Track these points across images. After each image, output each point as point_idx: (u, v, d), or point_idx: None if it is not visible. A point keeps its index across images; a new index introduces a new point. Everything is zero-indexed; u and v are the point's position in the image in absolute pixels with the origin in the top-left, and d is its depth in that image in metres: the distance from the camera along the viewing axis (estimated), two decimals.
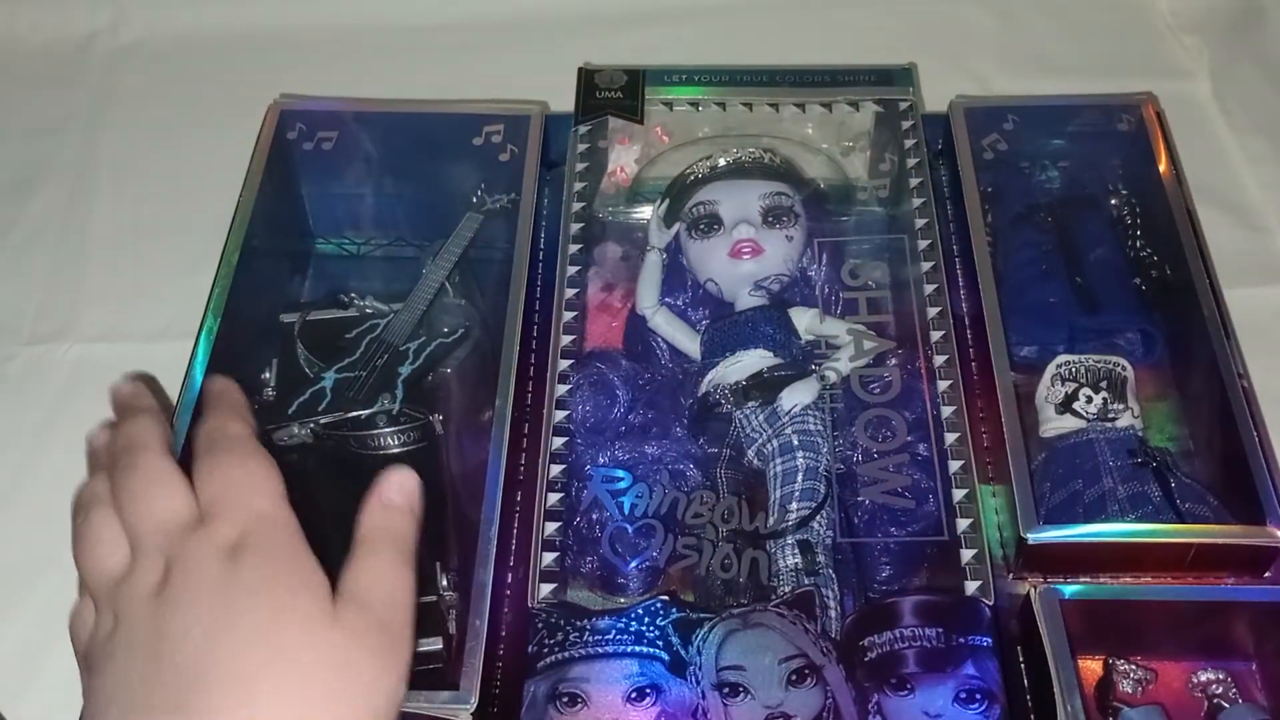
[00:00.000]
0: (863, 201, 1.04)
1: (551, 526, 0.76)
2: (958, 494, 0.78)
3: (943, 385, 0.84)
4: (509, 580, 0.77)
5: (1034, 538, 0.75)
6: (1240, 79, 1.14)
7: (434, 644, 0.74)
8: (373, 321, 0.90)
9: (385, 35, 1.18)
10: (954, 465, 0.79)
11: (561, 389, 0.84)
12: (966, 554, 0.74)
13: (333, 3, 1.19)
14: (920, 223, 0.93)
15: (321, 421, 0.84)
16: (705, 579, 0.76)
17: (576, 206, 0.95)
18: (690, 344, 0.93)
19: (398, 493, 0.60)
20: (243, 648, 0.50)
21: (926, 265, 0.90)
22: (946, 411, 0.82)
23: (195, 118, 1.11)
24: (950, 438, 0.81)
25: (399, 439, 0.83)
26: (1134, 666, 0.74)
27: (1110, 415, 0.85)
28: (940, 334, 0.86)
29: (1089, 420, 0.85)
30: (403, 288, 1.02)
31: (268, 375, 0.90)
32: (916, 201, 0.94)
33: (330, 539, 0.76)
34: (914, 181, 0.95)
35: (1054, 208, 0.95)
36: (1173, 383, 0.90)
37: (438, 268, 0.93)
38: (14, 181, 0.98)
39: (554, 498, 0.77)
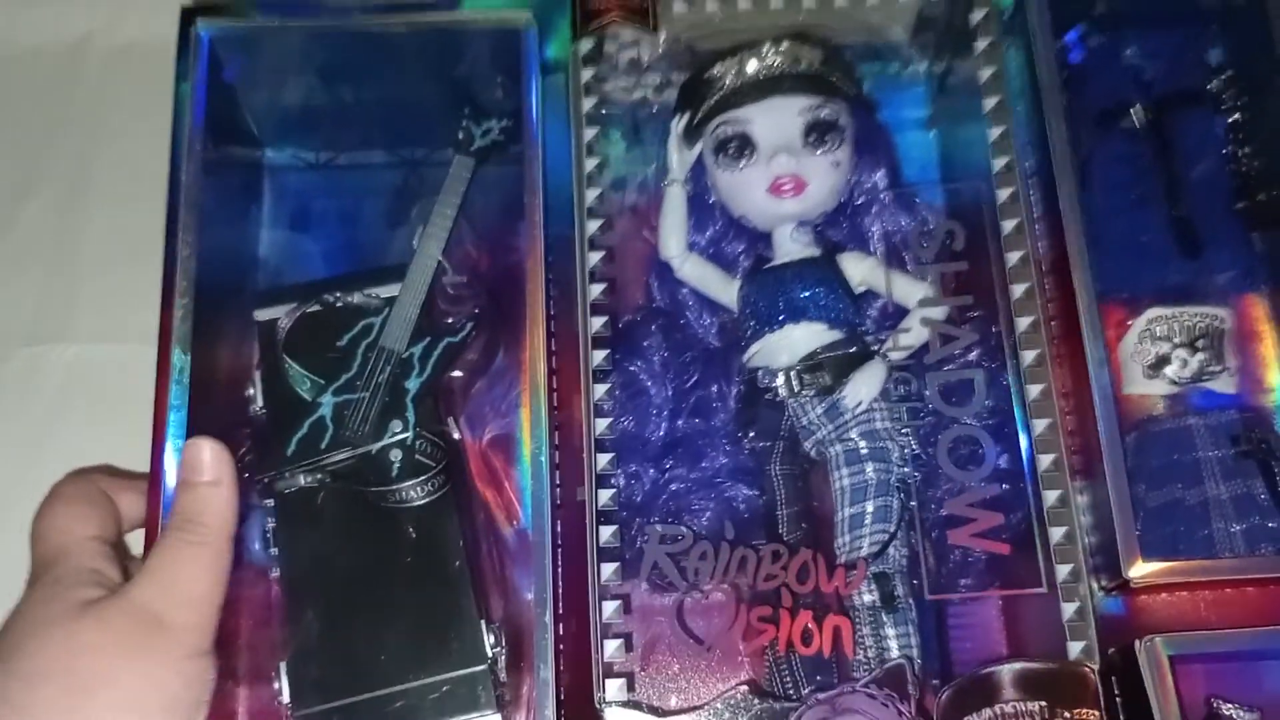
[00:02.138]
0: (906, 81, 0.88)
1: (609, 608, 0.68)
2: (1049, 496, 0.70)
3: (1028, 357, 0.74)
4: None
5: (1138, 577, 0.68)
6: None
7: None
8: (366, 321, 0.77)
9: None
10: (1044, 461, 0.71)
11: (599, 390, 0.74)
12: (1067, 609, 0.68)
13: None
14: (994, 132, 0.78)
15: (330, 469, 0.74)
16: (785, 663, 0.70)
17: (589, 133, 0.80)
18: (726, 291, 0.81)
19: (193, 470, 0.62)
20: None
21: (1003, 194, 0.77)
22: (1033, 392, 0.73)
23: None
24: (1040, 425, 0.72)
25: (423, 490, 0.73)
26: (1239, 709, 0.70)
27: (1206, 377, 0.77)
28: (1023, 288, 0.75)
29: (1181, 385, 0.77)
30: (373, 207, 0.90)
31: (252, 392, 0.78)
32: (988, 102, 0.79)
33: (352, 593, 0.71)
34: (984, 72, 0.79)
35: (1150, 107, 0.80)
36: (1273, 321, 0.80)
37: (431, 239, 0.79)
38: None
39: (608, 569, 0.69)
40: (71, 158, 0.99)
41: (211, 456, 0.64)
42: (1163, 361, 0.77)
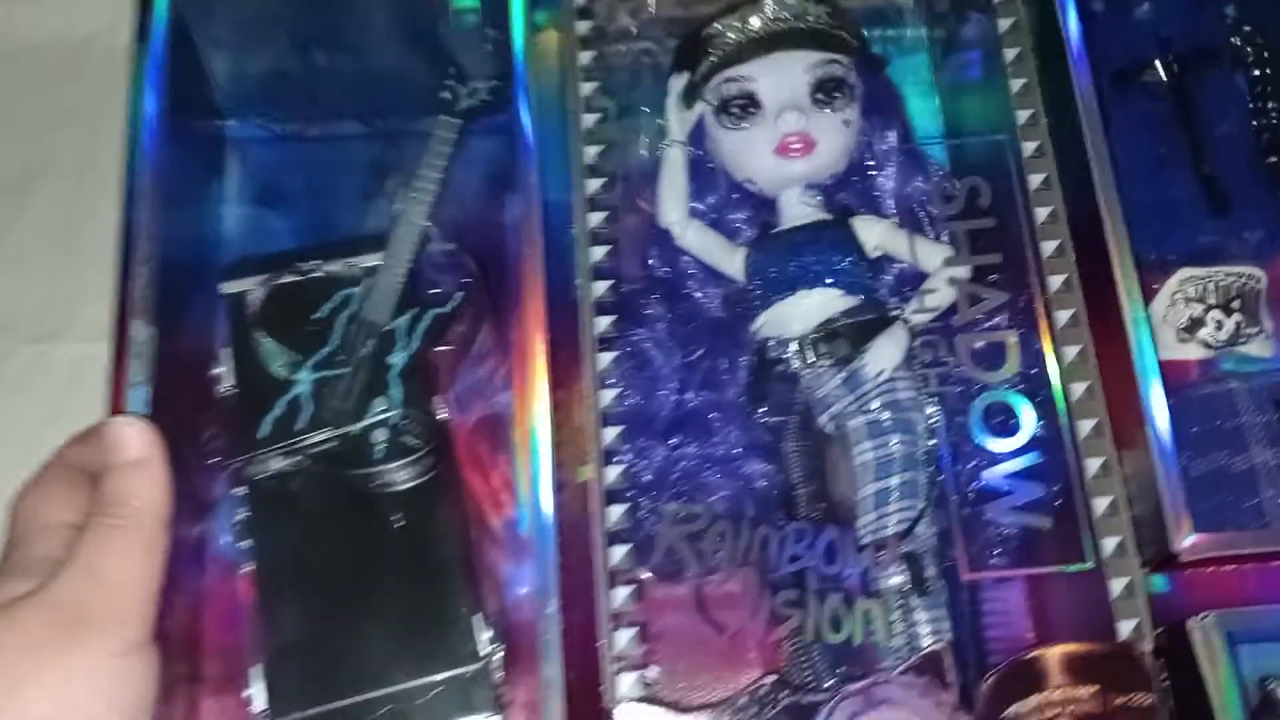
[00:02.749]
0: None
1: (621, 595, 0.62)
2: (1091, 465, 0.65)
3: (1062, 318, 0.69)
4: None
5: (1188, 553, 0.63)
6: None
7: None
8: (345, 292, 0.71)
9: None
10: (1084, 427, 0.66)
11: (605, 359, 0.68)
12: (1115, 586, 0.63)
13: None
14: (1017, 84, 0.74)
15: (308, 451, 0.67)
16: (814, 648, 0.64)
17: (586, 89, 0.74)
18: (731, 261, 0.76)
19: (114, 451, 0.58)
20: None
21: (1029, 146, 0.72)
22: (1070, 353, 0.68)
23: None
24: (1078, 390, 0.67)
25: (410, 472, 0.67)
26: None
27: (1242, 339, 0.72)
28: (1054, 244, 0.70)
29: (1217, 348, 0.72)
30: (347, 182, 0.84)
31: (220, 371, 0.72)
32: (1010, 54, 0.74)
33: (333, 587, 0.64)
34: (1003, 24, 0.75)
35: (1170, 64, 0.76)
36: None
37: (415, 204, 0.73)
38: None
39: (618, 553, 0.63)
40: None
41: (135, 433, 0.58)
42: (1196, 324, 0.72)
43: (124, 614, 0.55)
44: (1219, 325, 0.72)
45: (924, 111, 0.87)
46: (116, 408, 0.64)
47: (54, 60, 1.00)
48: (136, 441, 0.58)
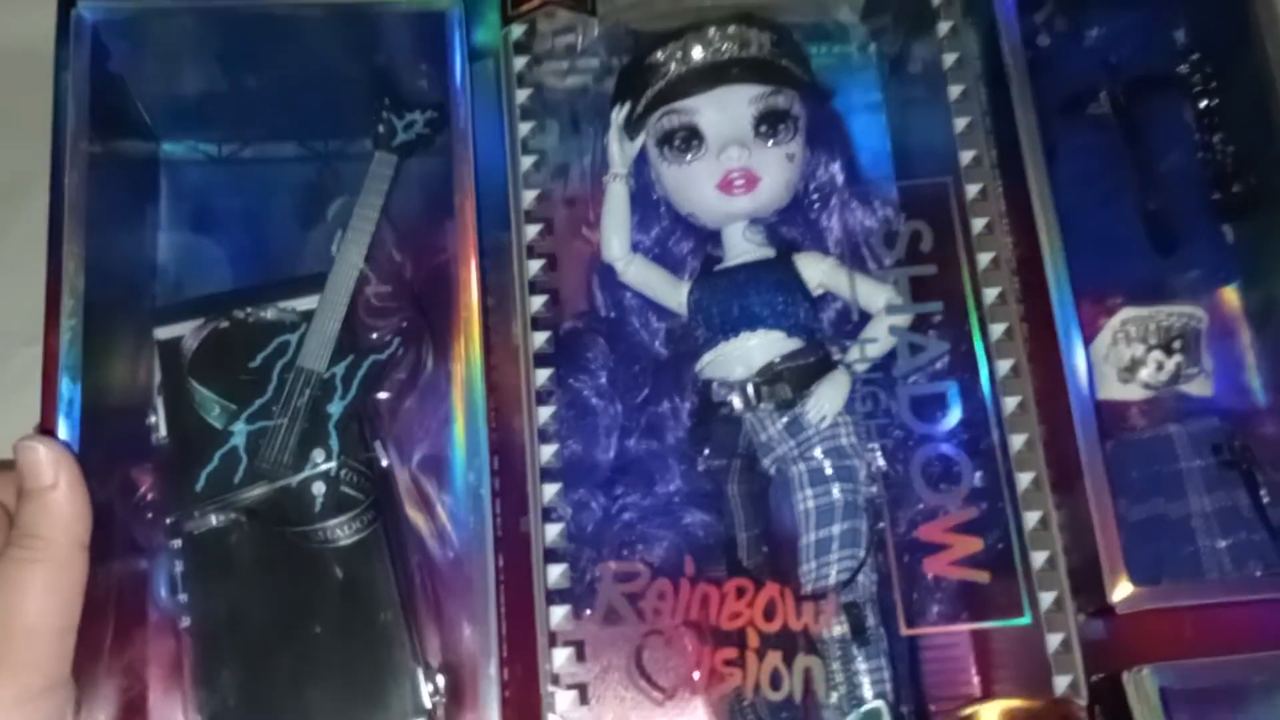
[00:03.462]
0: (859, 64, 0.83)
1: (561, 656, 0.62)
2: (1029, 518, 0.66)
3: (1003, 368, 0.69)
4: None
5: (1123, 605, 0.64)
6: None
7: None
8: (282, 339, 0.70)
9: None
10: (1023, 480, 0.67)
11: (544, 414, 0.68)
12: (1052, 640, 0.63)
13: None
14: (961, 123, 0.73)
15: (245, 506, 0.66)
16: (749, 710, 0.65)
17: (524, 129, 0.73)
18: (674, 295, 0.75)
19: (27, 476, 0.57)
20: None
21: (972, 190, 0.72)
22: (1009, 405, 0.68)
23: None
24: (1017, 442, 0.67)
25: (351, 528, 0.66)
26: None
27: (1183, 379, 0.73)
28: (995, 291, 0.70)
29: (1157, 389, 0.73)
30: (284, 205, 0.82)
31: (154, 419, 0.70)
32: (954, 91, 0.73)
33: (273, 643, 0.64)
34: (948, 58, 0.74)
35: (1118, 94, 0.75)
36: (1248, 316, 0.76)
37: (351, 245, 0.72)
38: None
39: (558, 614, 0.63)
40: None
41: (46, 456, 0.57)
42: (1137, 364, 0.73)
43: (38, 656, 0.53)
44: (1159, 366, 0.72)
45: (872, 131, 0.86)
46: None
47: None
48: (47, 464, 0.57)
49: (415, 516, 0.71)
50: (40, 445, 0.57)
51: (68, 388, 0.64)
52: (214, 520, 0.67)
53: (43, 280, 0.85)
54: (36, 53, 0.95)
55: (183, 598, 0.67)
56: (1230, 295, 0.78)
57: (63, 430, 0.64)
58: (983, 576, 0.64)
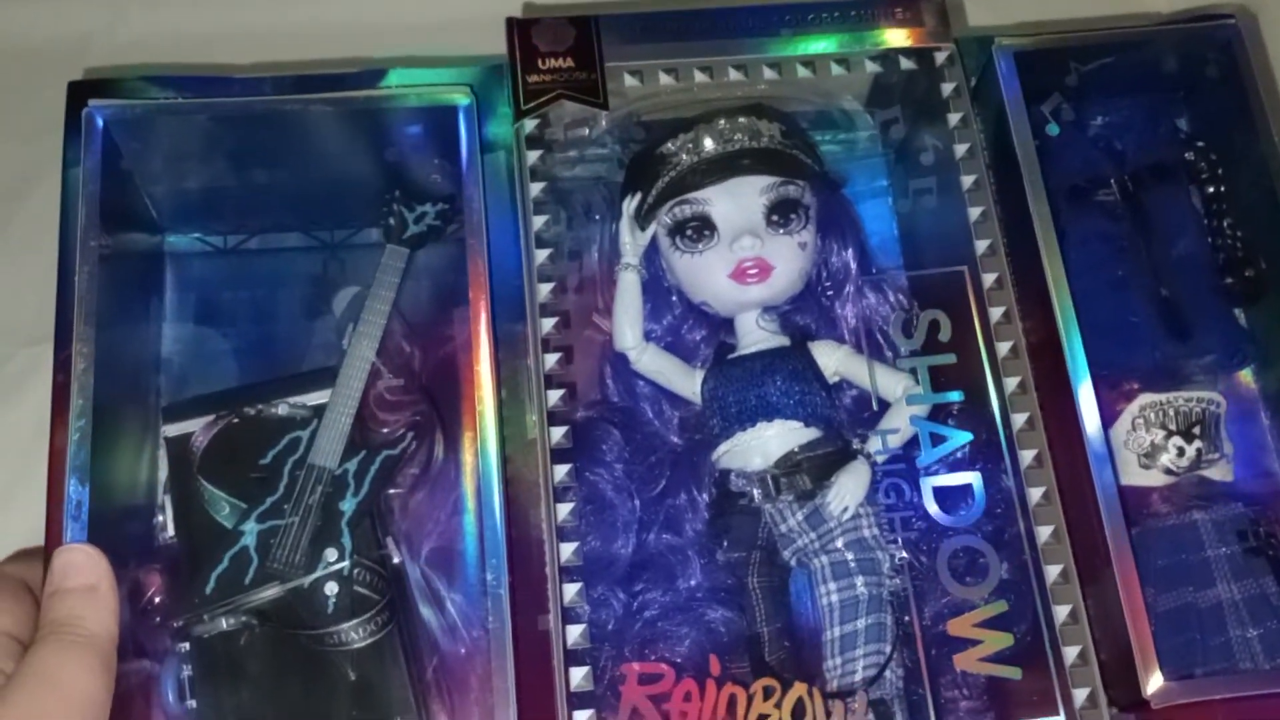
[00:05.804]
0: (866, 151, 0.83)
1: None
2: (1059, 611, 0.65)
3: (1026, 458, 0.68)
4: None
5: (1156, 699, 0.63)
6: None
7: None
8: (293, 435, 0.68)
9: None
10: (1051, 572, 0.66)
11: (563, 511, 0.66)
12: None
13: None
14: (975, 213, 0.73)
15: (256, 608, 0.65)
16: None
17: (538, 223, 0.72)
18: (688, 383, 0.74)
19: (65, 577, 0.59)
20: None
21: (989, 279, 0.71)
22: (1034, 495, 0.67)
23: None
24: (1044, 533, 0.66)
25: (365, 630, 0.65)
26: None
27: (1204, 464, 0.72)
28: (1016, 381, 0.69)
29: (1179, 474, 0.72)
30: (290, 296, 0.81)
31: (161, 519, 0.69)
32: (967, 180, 0.73)
33: None
34: (959, 149, 0.74)
35: (1125, 182, 0.76)
36: (1265, 399, 0.76)
37: (363, 338, 0.71)
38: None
39: (581, 718, 0.61)
40: None
41: (84, 558, 0.60)
42: (1158, 450, 0.72)
43: None
44: (1180, 452, 0.72)
45: (880, 216, 0.85)
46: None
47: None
48: (87, 568, 0.59)
49: (425, 611, 0.69)
50: (79, 549, 0.60)
51: (75, 490, 0.62)
52: (224, 623, 0.65)
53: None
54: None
55: (191, 704, 0.65)
56: (1247, 378, 0.77)
57: (70, 533, 0.62)
58: (1014, 673, 0.63)
